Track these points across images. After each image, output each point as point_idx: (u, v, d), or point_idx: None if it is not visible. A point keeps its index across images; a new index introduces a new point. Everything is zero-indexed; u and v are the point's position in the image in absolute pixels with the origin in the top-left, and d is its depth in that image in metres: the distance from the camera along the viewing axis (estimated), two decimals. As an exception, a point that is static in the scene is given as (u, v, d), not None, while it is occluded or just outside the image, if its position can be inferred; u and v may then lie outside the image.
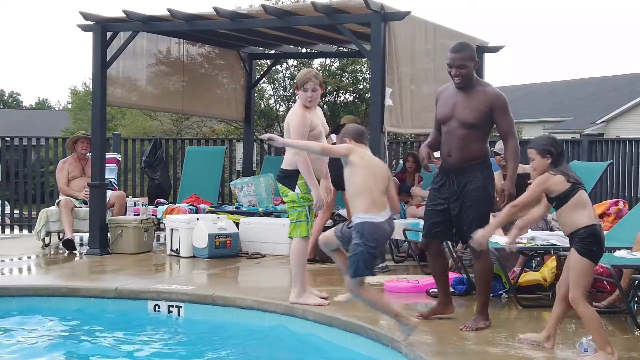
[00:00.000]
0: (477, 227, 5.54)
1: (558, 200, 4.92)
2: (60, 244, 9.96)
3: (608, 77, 38.44)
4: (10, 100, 64.99)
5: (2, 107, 60.52)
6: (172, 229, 9.53)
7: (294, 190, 6.47)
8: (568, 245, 6.54)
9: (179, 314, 6.98)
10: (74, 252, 9.64)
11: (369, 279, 7.68)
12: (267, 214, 10.43)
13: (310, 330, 6.22)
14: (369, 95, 10.91)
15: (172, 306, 7.02)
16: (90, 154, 10.00)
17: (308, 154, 6.28)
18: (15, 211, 13.86)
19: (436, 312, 6.08)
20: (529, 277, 7.06)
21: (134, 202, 10.20)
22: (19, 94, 67.47)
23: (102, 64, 9.54)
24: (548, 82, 41.66)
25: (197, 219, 9.53)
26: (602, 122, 31.82)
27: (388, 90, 8.31)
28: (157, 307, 7.08)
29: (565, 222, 4.94)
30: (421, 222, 9.05)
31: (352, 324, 5.90)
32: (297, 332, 6.31)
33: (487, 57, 10.62)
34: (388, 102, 8.30)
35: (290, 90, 16.23)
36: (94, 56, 9.58)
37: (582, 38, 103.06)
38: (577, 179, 4.95)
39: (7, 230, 13.16)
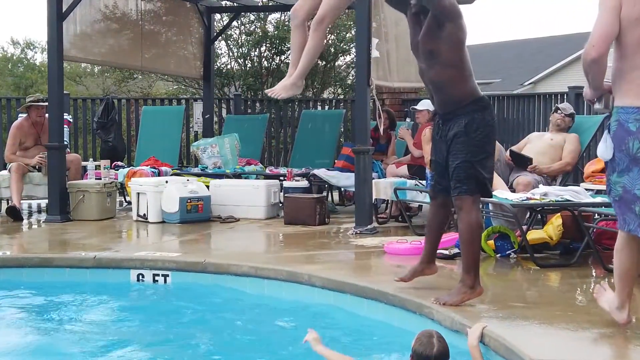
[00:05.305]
0: (458, 179, 4.84)
1: None
2: (4, 212, 9.19)
3: (531, 40, 38.63)
4: None
5: None
6: (138, 193, 8.91)
7: None
8: (583, 201, 6.29)
9: (165, 283, 6.45)
10: (21, 220, 8.88)
11: (367, 242, 7.23)
12: (236, 175, 9.89)
13: (317, 297, 5.76)
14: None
15: (158, 275, 6.47)
16: (47, 114, 9.19)
17: None
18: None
19: (417, 273, 5.31)
20: (534, 235, 6.73)
21: (95, 166, 9.51)
22: None
23: (58, 15, 8.79)
24: (474, 45, 41.61)
25: (166, 181, 8.95)
26: (530, 83, 31.98)
27: (374, 41, 7.82)
28: (140, 276, 6.51)
29: None
30: (408, 181, 8.68)
31: (368, 289, 5.44)
32: (301, 299, 5.85)
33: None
34: (375, 53, 7.82)
35: (247, 48, 15.55)
36: (49, 7, 8.81)
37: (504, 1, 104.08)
38: None
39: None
